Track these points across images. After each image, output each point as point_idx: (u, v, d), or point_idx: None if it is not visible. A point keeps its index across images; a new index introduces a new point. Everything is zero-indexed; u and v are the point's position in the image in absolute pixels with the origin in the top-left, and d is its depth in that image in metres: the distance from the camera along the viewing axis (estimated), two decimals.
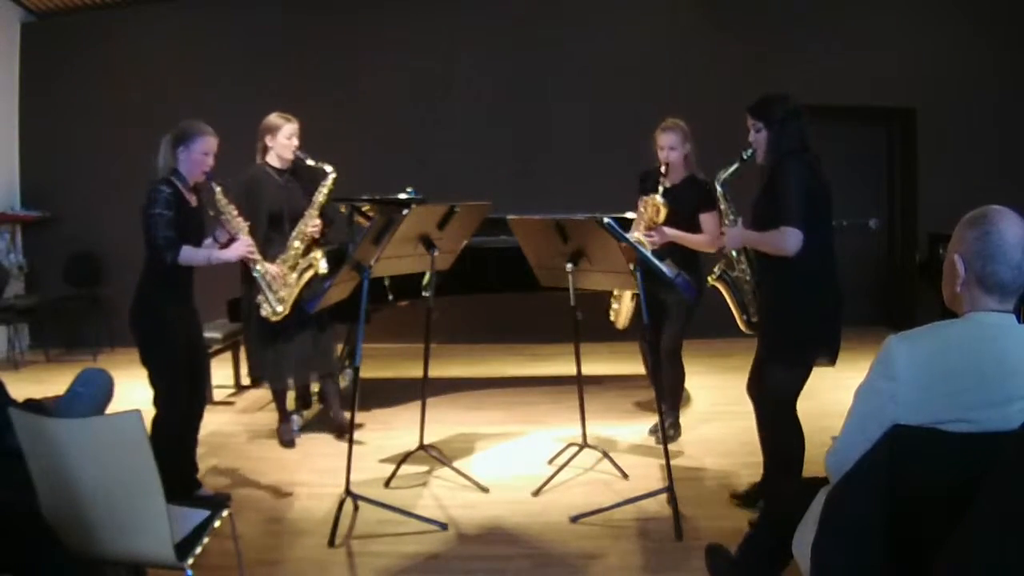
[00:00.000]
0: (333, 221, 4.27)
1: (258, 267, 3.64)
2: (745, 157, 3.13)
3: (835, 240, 3.02)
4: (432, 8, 7.03)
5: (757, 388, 3.24)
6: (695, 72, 6.83)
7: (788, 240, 2.85)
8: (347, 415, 3.82)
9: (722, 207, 3.24)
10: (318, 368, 4.40)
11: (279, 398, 4.41)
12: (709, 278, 3.31)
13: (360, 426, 4.52)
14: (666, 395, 4.23)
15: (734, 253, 3.20)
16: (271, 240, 4.05)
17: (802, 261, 2.88)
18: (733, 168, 3.19)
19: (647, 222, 3.94)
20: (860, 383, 1.88)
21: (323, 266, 3.88)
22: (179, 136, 3.31)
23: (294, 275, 3.91)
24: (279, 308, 3.81)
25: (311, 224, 4.00)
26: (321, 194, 4.01)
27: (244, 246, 3.48)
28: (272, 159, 4.14)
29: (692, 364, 4.38)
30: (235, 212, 3.47)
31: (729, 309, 3.42)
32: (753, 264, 3.18)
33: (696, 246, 3.97)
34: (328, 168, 4.02)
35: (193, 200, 3.37)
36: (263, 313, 3.87)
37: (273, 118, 4.12)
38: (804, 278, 2.92)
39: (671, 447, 3.97)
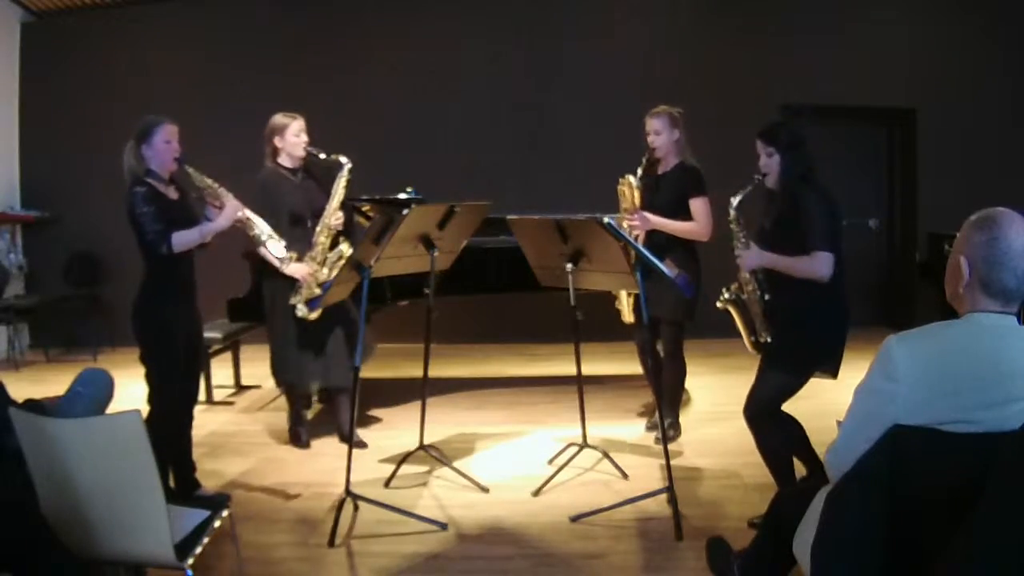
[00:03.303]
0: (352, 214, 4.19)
1: (252, 225, 3.54)
2: (757, 181, 3.15)
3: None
4: (432, 8, 7.03)
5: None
6: (695, 73, 6.84)
7: (822, 265, 2.90)
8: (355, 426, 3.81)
9: (733, 228, 3.21)
10: (339, 380, 4.13)
11: (296, 400, 4.37)
12: (718, 303, 3.27)
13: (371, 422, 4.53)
14: (665, 394, 4.23)
15: (747, 275, 3.19)
16: (295, 239, 3.99)
17: (820, 284, 2.93)
18: (746, 191, 3.19)
19: (627, 206, 3.95)
20: (860, 383, 1.88)
21: None
22: (138, 135, 3.29)
23: (324, 270, 3.91)
24: (283, 254, 3.73)
25: (334, 218, 3.98)
26: (340, 186, 3.98)
27: (233, 210, 3.39)
28: (283, 160, 4.07)
29: (692, 364, 4.37)
30: (215, 184, 3.39)
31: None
32: (763, 284, 3.17)
33: (686, 234, 3.94)
34: (343, 159, 3.98)
35: (172, 193, 3.33)
36: (299, 314, 3.87)
37: (278, 118, 4.06)
38: (820, 294, 2.96)
39: (671, 447, 3.97)
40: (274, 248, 3.71)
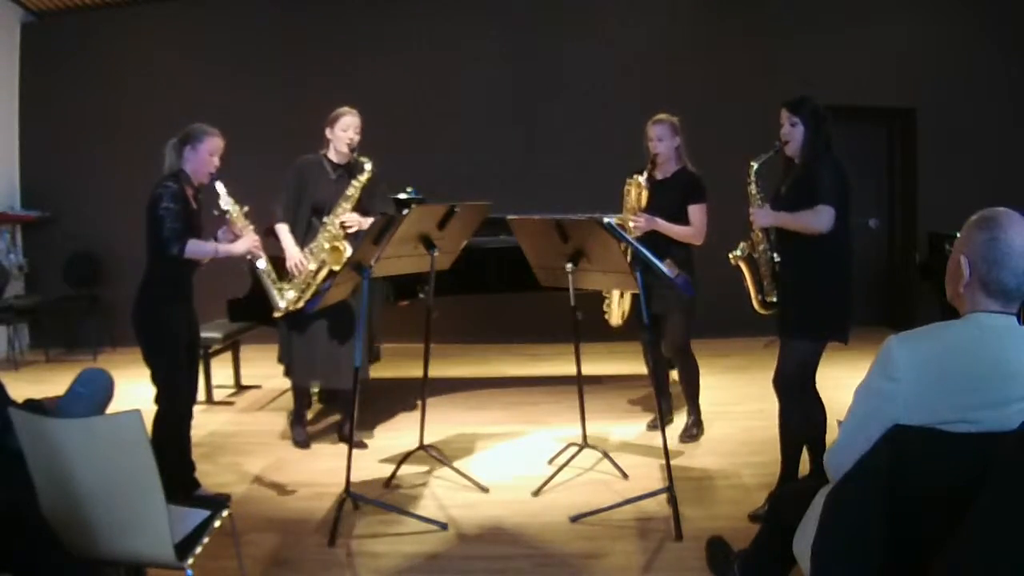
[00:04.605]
0: (368, 213, 4.09)
1: (262, 263, 3.57)
2: (777, 147, 3.25)
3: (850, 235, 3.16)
4: (432, 8, 7.03)
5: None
6: (696, 72, 6.83)
7: (822, 217, 3.00)
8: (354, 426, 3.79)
9: (752, 190, 3.34)
10: (343, 382, 4.05)
11: (298, 396, 4.37)
12: (731, 257, 3.38)
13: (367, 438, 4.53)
14: (684, 392, 4.31)
15: (760, 233, 3.33)
16: (311, 230, 4.03)
17: (826, 247, 3.04)
18: (767, 156, 3.32)
19: (632, 206, 3.99)
20: (860, 383, 1.88)
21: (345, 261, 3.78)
22: (186, 137, 3.33)
23: (312, 265, 3.92)
24: (281, 304, 3.74)
25: (341, 216, 3.95)
26: (352, 187, 3.97)
27: (251, 240, 3.45)
28: (331, 151, 4.10)
29: None
30: (240, 210, 3.44)
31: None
32: (774, 245, 3.32)
33: (681, 237, 4.00)
34: (367, 164, 3.97)
35: (194, 202, 3.37)
36: (281, 300, 3.84)
37: (338, 110, 4.08)
38: (827, 262, 3.08)
39: (672, 447, 3.96)
40: (273, 292, 3.69)
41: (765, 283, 3.34)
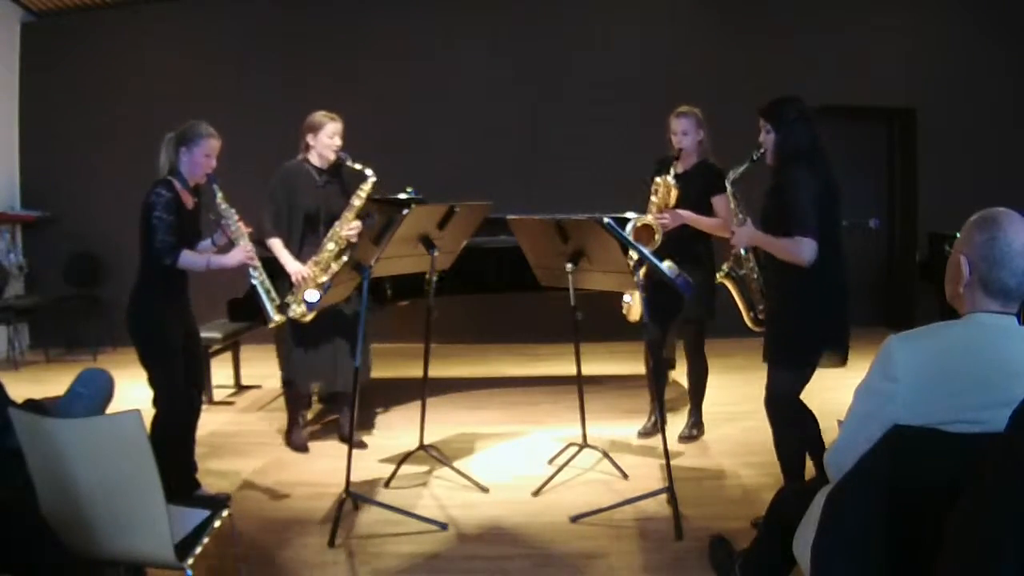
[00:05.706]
0: (368, 220, 4.10)
1: (256, 274, 3.49)
2: (755, 158, 3.14)
3: (842, 240, 3.01)
4: (432, 8, 7.04)
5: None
6: (695, 73, 6.83)
7: (804, 251, 2.84)
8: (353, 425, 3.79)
9: (731, 206, 3.25)
10: (345, 384, 4.03)
11: (296, 401, 4.35)
12: (717, 275, 3.34)
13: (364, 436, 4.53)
14: (691, 394, 4.30)
15: (743, 251, 3.24)
16: (306, 240, 4.02)
17: (813, 268, 2.87)
18: (743, 168, 3.21)
19: (659, 204, 3.95)
20: (860, 383, 1.88)
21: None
22: (182, 136, 3.30)
23: (324, 277, 3.88)
24: (275, 317, 3.60)
25: (346, 227, 3.94)
26: (359, 197, 3.95)
27: (243, 252, 3.39)
28: (313, 157, 4.06)
29: None
30: (236, 216, 3.41)
31: (731, 310, 3.42)
32: (761, 262, 3.23)
33: (710, 229, 3.96)
34: (368, 172, 3.94)
35: (190, 202, 3.35)
36: (290, 314, 3.84)
37: (317, 116, 4.04)
38: (810, 280, 2.90)
39: (672, 447, 3.97)
40: (267, 303, 3.55)
41: (755, 299, 3.26)
